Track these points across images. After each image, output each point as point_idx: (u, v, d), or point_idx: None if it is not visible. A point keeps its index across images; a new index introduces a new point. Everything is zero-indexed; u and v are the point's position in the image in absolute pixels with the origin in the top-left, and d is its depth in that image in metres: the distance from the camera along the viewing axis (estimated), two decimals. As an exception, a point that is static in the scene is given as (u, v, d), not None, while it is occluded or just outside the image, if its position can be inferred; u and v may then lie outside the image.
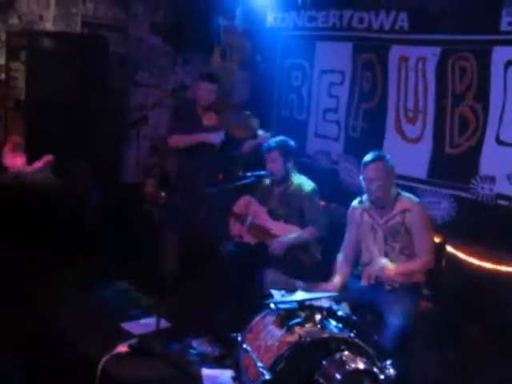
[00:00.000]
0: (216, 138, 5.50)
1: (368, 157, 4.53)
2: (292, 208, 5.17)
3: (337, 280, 4.59)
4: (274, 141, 5.24)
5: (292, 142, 5.29)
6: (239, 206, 5.32)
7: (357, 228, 4.69)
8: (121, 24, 6.86)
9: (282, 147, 5.20)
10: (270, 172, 5.16)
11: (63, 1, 6.39)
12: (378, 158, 4.49)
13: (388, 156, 4.57)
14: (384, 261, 4.38)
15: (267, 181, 5.34)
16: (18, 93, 6.18)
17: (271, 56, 7.15)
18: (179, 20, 7.19)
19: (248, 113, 5.77)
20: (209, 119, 5.57)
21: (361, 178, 4.59)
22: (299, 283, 4.60)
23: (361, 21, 6.19)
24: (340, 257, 4.78)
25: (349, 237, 4.77)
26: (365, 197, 4.63)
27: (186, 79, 7.26)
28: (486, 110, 5.22)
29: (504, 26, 5.04)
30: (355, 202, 4.74)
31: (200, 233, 5.69)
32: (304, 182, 5.26)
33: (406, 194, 4.59)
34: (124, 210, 6.26)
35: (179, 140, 5.65)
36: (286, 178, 5.22)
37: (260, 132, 5.54)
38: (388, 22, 5.94)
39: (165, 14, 7.16)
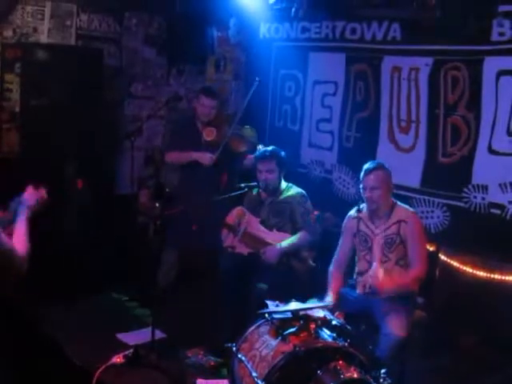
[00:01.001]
0: (208, 158, 5.52)
1: (368, 165, 4.55)
2: (284, 216, 5.20)
3: (330, 298, 4.54)
4: (270, 151, 5.25)
5: (283, 152, 5.32)
6: (232, 217, 5.33)
7: (353, 237, 4.71)
8: (115, 36, 6.87)
9: (279, 158, 5.23)
10: (266, 182, 5.17)
11: (58, 13, 6.40)
12: (379, 167, 4.52)
13: (387, 165, 4.60)
14: (381, 272, 4.35)
15: (254, 190, 5.35)
16: (13, 105, 6.18)
17: (265, 67, 7.18)
18: (173, 32, 7.21)
19: (247, 127, 5.80)
20: (209, 134, 5.59)
21: (360, 186, 4.61)
22: None
23: (353, 32, 6.22)
24: (332, 268, 4.77)
25: (343, 246, 4.78)
26: (362, 206, 4.64)
27: (180, 90, 7.29)
28: (478, 119, 5.25)
29: (495, 37, 5.08)
30: (352, 212, 4.75)
31: (199, 246, 5.70)
32: (292, 189, 5.29)
33: (401, 204, 4.61)
34: (118, 222, 6.26)
35: (174, 157, 5.74)
36: (278, 187, 5.25)
37: (260, 146, 5.56)
38: (380, 33, 5.97)
39: (159, 26, 7.19)
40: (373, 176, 4.49)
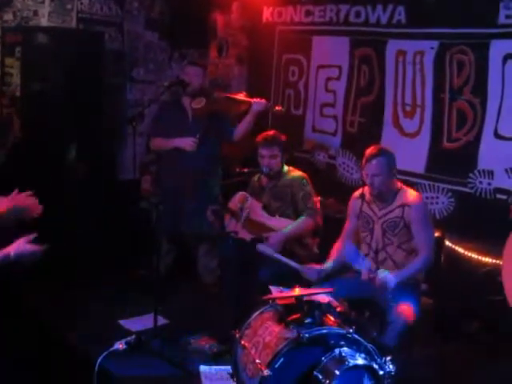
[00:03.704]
0: (189, 144, 5.44)
1: (370, 151, 4.49)
2: (285, 201, 5.15)
3: (328, 264, 4.58)
4: (272, 136, 5.20)
5: (285, 137, 5.27)
6: (234, 203, 5.29)
7: (356, 218, 4.68)
8: (116, 20, 6.82)
9: (281, 143, 5.18)
10: (268, 167, 5.13)
11: (58, -4, 6.36)
12: (381, 153, 4.46)
13: (390, 150, 4.54)
14: (383, 275, 4.28)
15: (256, 177, 5.32)
16: (13, 89, 6.14)
17: (268, 51, 7.13)
18: (175, 16, 7.16)
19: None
20: (198, 103, 5.51)
21: (363, 172, 4.56)
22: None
23: (358, 15, 6.17)
24: (337, 244, 4.75)
25: (348, 226, 4.75)
26: (366, 188, 4.60)
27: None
28: (484, 104, 5.21)
29: (502, 20, 5.04)
30: (357, 193, 4.72)
31: (187, 230, 5.67)
32: (293, 172, 5.25)
33: (407, 189, 4.56)
34: (120, 207, 6.23)
35: (157, 144, 5.72)
36: (280, 172, 5.21)
37: (254, 100, 5.50)
38: (385, 16, 5.93)
39: (161, 9, 7.13)
40: (374, 162, 4.42)
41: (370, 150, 4.49)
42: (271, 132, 5.28)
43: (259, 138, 5.22)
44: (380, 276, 4.16)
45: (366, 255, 4.55)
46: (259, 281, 4.81)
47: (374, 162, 4.42)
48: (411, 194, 4.52)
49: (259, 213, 5.19)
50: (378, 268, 4.36)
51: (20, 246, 3.48)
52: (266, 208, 5.19)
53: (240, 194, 5.30)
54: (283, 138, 5.23)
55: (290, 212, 5.15)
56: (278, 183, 5.22)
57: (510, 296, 4.32)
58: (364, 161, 4.49)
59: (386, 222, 4.47)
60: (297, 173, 5.25)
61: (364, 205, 4.61)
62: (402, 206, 4.43)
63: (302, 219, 5.08)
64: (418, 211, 4.43)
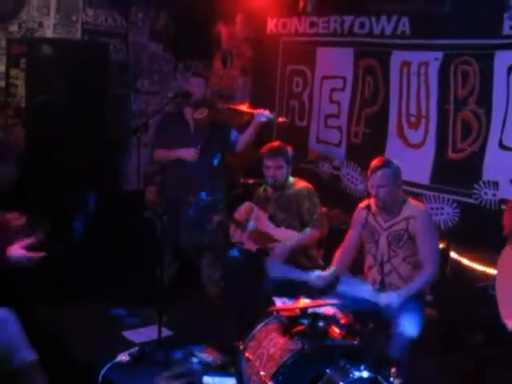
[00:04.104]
0: (191, 154, 5.45)
1: (375, 163, 4.49)
2: (291, 212, 5.16)
3: (332, 270, 4.60)
4: (278, 148, 5.21)
5: (290, 148, 5.27)
6: (240, 213, 5.29)
7: (361, 228, 4.67)
8: (121, 31, 6.85)
9: (286, 154, 5.19)
10: (274, 178, 5.13)
11: (63, 8, 6.37)
12: (386, 164, 4.46)
13: (395, 161, 4.54)
14: (385, 300, 4.27)
15: (262, 189, 5.32)
16: (18, 100, 6.15)
17: (272, 62, 7.13)
18: (180, 27, 7.18)
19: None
20: (200, 113, 5.52)
21: (368, 183, 4.56)
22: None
23: (362, 26, 6.17)
24: (339, 250, 4.76)
25: (351, 234, 4.75)
26: (372, 200, 4.60)
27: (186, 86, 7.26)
28: (488, 114, 5.19)
29: (506, 30, 5.03)
30: (363, 203, 4.72)
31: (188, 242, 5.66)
32: (299, 183, 5.26)
33: (412, 201, 4.56)
34: (125, 217, 6.23)
35: (160, 155, 5.72)
36: (286, 183, 5.21)
37: (257, 111, 5.50)
38: (389, 27, 5.92)
39: (165, 21, 7.15)
40: (380, 173, 4.43)
41: (375, 162, 4.49)
42: (276, 143, 5.29)
43: (264, 148, 5.23)
44: (382, 301, 4.18)
45: (372, 267, 4.54)
46: (263, 291, 4.80)
47: (379, 173, 4.42)
48: (416, 206, 4.52)
49: (265, 223, 5.19)
50: (382, 281, 4.38)
51: (16, 251, 3.53)
52: (271, 218, 5.20)
53: (246, 205, 5.31)
54: (288, 149, 5.24)
55: (295, 223, 5.15)
56: (284, 194, 5.21)
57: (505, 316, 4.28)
58: (369, 172, 4.49)
59: (391, 234, 4.47)
60: (302, 184, 5.25)
61: (370, 216, 4.61)
62: (407, 218, 4.43)
63: (308, 230, 5.08)
64: (423, 223, 4.43)
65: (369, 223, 4.61)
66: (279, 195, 5.23)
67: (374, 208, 4.60)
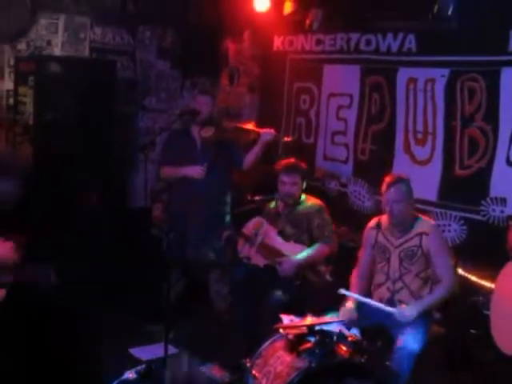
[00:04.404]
0: (197, 172, 5.47)
1: (389, 178, 4.50)
2: (301, 228, 5.16)
3: (350, 304, 4.45)
4: (295, 164, 5.23)
5: (304, 165, 5.32)
6: (248, 228, 5.29)
7: (371, 248, 4.66)
8: (128, 49, 6.89)
9: (303, 171, 5.23)
10: (288, 194, 5.14)
11: (71, 26, 6.42)
12: (400, 180, 4.48)
13: (408, 178, 4.55)
14: (400, 316, 4.25)
15: (272, 204, 5.32)
16: (26, 118, 6.18)
17: (279, 79, 7.16)
18: (187, 45, 7.21)
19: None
20: (206, 131, 5.55)
21: (382, 198, 4.55)
22: None
23: (368, 43, 6.20)
24: (355, 272, 4.73)
25: (362, 256, 4.74)
26: (383, 218, 4.60)
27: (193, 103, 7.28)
28: (495, 130, 5.20)
29: (512, 47, 5.04)
30: (372, 222, 4.71)
31: (196, 259, 5.66)
32: (310, 200, 5.28)
33: (423, 218, 4.56)
34: (132, 234, 6.23)
35: (167, 173, 5.74)
36: (298, 199, 5.22)
37: (263, 130, 5.52)
38: (396, 45, 5.95)
39: (172, 38, 7.19)
40: (393, 189, 4.43)
41: (389, 178, 4.52)
42: (292, 159, 5.31)
43: (280, 165, 5.25)
44: (399, 318, 4.17)
45: (381, 285, 4.52)
46: (270, 307, 4.78)
47: (393, 188, 4.43)
48: (428, 222, 4.52)
49: (274, 238, 5.19)
50: (391, 299, 4.37)
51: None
52: (281, 233, 5.20)
53: (256, 220, 5.31)
54: (304, 166, 5.26)
55: (304, 238, 5.15)
56: (295, 210, 5.22)
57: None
58: (384, 187, 4.49)
59: (404, 250, 4.45)
60: (314, 201, 5.27)
61: (379, 235, 4.60)
62: (420, 234, 4.42)
63: (317, 246, 5.07)
64: (436, 239, 4.43)
65: (379, 243, 4.60)
66: (290, 211, 5.23)
67: (384, 225, 4.59)
